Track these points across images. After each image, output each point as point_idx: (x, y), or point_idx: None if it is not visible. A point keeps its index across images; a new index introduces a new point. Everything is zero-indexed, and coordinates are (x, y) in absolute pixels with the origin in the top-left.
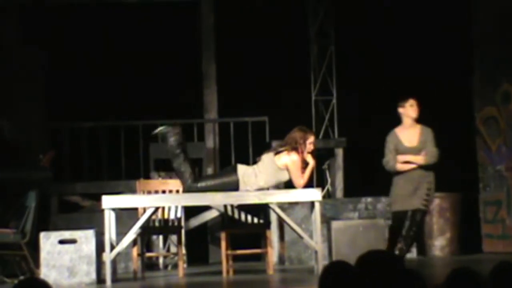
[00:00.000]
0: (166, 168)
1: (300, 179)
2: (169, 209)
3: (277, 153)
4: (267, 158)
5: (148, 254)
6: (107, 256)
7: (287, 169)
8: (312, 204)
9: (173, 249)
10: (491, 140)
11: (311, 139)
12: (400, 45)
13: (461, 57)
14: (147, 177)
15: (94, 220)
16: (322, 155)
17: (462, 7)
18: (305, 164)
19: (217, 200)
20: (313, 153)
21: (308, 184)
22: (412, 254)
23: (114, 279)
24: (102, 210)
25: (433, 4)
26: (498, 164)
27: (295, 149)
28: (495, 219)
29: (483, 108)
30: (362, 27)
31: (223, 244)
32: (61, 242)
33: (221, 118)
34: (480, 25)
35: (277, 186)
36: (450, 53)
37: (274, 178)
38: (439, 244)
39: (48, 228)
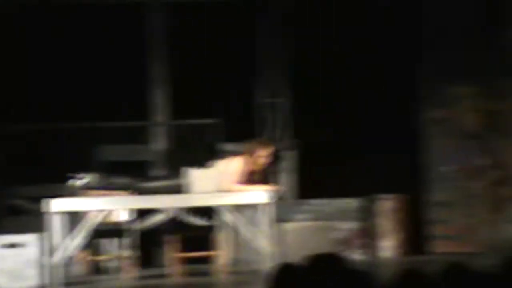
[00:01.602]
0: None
1: (231, 184)
2: (119, 211)
3: (229, 157)
4: (219, 162)
5: (97, 258)
6: (52, 260)
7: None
8: (261, 206)
9: (123, 252)
10: (438, 141)
11: (262, 152)
12: (347, 46)
13: (407, 59)
14: None
15: (40, 224)
16: (274, 157)
17: (410, 10)
18: (251, 175)
19: (167, 203)
20: (264, 168)
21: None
22: (362, 255)
23: (60, 284)
24: (47, 214)
25: (380, 5)
26: (445, 165)
27: (245, 157)
28: (442, 220)
29: (430, 110)
30: (311, 28)
31: (174, 246)
32: (5, 246)
33: (172, 121)
34: (427, 27)
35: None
36: (396, 54)
37: (224, 182)
38: (390, 245)
39: None
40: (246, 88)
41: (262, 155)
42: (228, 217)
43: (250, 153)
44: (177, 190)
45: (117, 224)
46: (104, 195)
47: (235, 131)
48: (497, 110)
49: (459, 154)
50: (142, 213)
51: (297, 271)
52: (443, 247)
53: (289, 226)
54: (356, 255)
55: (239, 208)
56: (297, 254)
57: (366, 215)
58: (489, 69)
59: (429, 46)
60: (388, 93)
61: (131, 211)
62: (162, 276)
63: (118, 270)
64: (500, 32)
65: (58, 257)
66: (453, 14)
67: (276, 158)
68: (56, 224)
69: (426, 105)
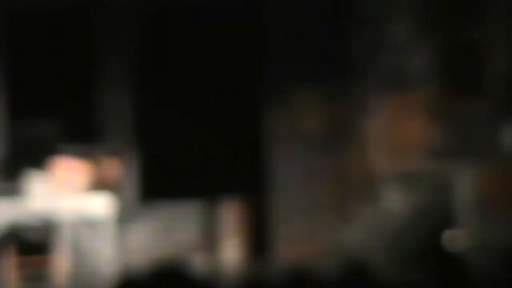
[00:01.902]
0: None
1: (64, 185)
2: None
3: (70, 161)
4: (59, 164)
5: None
6: None
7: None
8: (102, 210)
9: None
10: (282, 144)
11: (107, 163)
12: (189, 45)
13: (254, 60)
14: None
15: None
16: (110, 160)
17: (253, 12)
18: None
19: (1, 207)
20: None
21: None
22: (205, 257)
23: None
24: None
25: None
26: (289, 168)
27: (87, 163)
28: (286, 222)
29: (274, 114)
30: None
31: (10, 251)
32: None
33: (9, 120)
34: (274, 32)
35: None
36: (239, 55)
37: (65, 188)
38: (233, 247)
39: None
40: (86, 86)
41: (107, 165)
42: (67, 221)
43: (94, 161)
44: (13, 193)
45: None
46: None
47: (76, 130)
48: (339, 112)
49: (302, 156)
50: None
51: (141, 279)
52: (287, 249)
53: (131, 229)
54: (199, 259)
55: (79, 212)
56: (139, 257)
57: (211, 217)
58: (331, 71)
59: (272, 45)
60: (231, 94)
61: None
62: None
63: None
64: (343, 33)
65: None
66: (298, 13)
67: (118, 161)
68: None
69: (269, 106)
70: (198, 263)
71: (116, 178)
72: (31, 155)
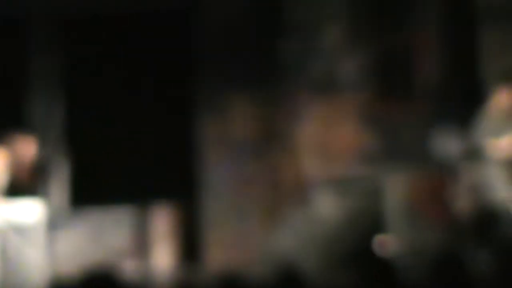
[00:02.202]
0: None
1: None
2: None
3: None
4: None
5: None
6: None
7: None
8: (35, 216)
9: None
10: (214, 150)
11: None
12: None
13: (184, 67)
14: None
15: None
16: (43, 166)
17: (183, 16)
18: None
19: None
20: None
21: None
22: (136, 263)
23: None
24: None
25: (156, 13)
26: (220, 173)
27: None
28: (217, 227)
29: (205, 119)
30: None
31: None
32: None
33: None
34: (205, 34)
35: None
36: (172, 61)
37: None
38: (164, 252)
39: None
40: (17, 88)
41: (25, 151)
42: None
43: (9, 149)
44: None
45: None
46: None
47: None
48: (269, 117)
49: (233, 161)
50: None
51: (72, 286)
52: (217, 254)
53: (62, 236)
54: (130, 264)
55: (6, 220)
56: (70, 264)
57: (142, 223)
58: (262, 76)
59: (205, 50)
60: (162, 98)
61: None
62: None
63: None
64: (274, 40)
65: None
66: (230, 19)
67: (45, 163)
68: None
69: (201, 110)
70: (129, 269)
71: (44, 182)
72: None
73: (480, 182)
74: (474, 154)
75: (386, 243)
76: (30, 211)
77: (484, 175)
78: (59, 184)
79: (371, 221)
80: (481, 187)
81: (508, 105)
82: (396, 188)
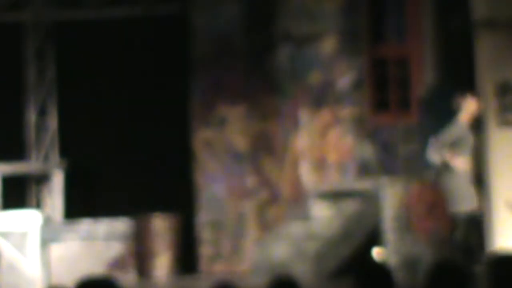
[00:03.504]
0: None
1: None
2: None
3: None
4: None
5: None
6: None
7: None
8: (29, 228)
9: None
10: (208, 162)
11: None
12: (119, 67)
13: (179, 78)
14: None
15: None
16: (41, 177)
17: (181, 33)
18: None
19: None
20: None
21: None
22: (132, 275)
23: None
24: None
25: (153, 28)
26: (215, 186)
27: None
28: (212, 239)
29: (200, 130)
30: (83, 48)
31: None
32: None
33: None
34: (197, 49)
35: None
36: (168, 75)
37: None
38: (159, 265)
39: None
40: (13, 107)
41: None
42: None
43: None
44: None
45: None
46: None
47: (1, 151)
48: (263, 131)
49: (229, 174)
50: None
51: None
52: (214, 266)
53: (56, 248)
54: (128, 276)
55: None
56: (66, 276)
57: (138, 234)
58: (255, 90)
59: (199, 66)
60: (163, 112)
61: None
62: None
63: None
64: (265, 54)
65: None
66: (223, 35)
67: (46, 178)
68: None
69: (197, 125)
70: (126, 280)
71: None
72: None
73: (450, 192)
74: (444, 166)
75: (383, 254)
76: (25, 221)
77: (452, 185)
78: (57, 196)
79: (367, 233)
80: (450, 197)
81: (474, 113)
82: (392, 201)
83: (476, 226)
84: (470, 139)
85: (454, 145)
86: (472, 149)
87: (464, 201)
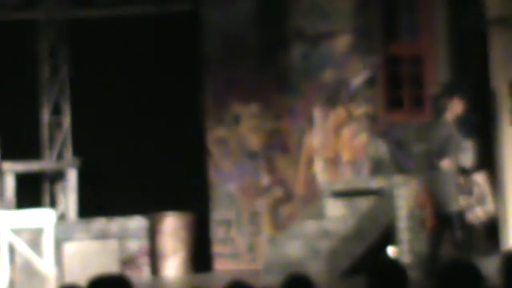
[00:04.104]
0: None
1: None
2: None
3: None
4: None
5: None
6: None
7: None
8: (43, 226)
9: None
10: (222, 160)
11: None
12: (133, 65)
13: (192, 77)
14: None
15: None
16: (55, 176)
17: (194, 30)
18: None
19: None
20: None
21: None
22: (145, 274)
23: None
24: None
25: (165, 26)
26: (229, 184)
27: None
28: (226, 238)
29: (214, 129)
30: (97, 46)
31: None
32: None
33: None
34: (210, 46)
35: None
36: (181, 73)
37: None
38: (172, 263)
39: None
40: (27, 105)
41: None
42: (7, 238)
43: None
44: None
45: None
46: None
47: (16, 150)
48: (276, 129)
49: (242, 172)
50: None
51: None
52: (228, 264)
53: (70, 246)
54: (142, 275)
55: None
56: (80, 274)
57: (151, 233)
58: (268, 88)
59: (212, 64)
60: (177, 110)
61: None
62: None
63: None
64: (278, 52)
65: None
66: (236, 33)
67: (60, 176)
68: None
69: (211, 123)
70: (139, 278)
71: (60, 195)
72: None
73: (438, 193)
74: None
75: (396, 253)
76: (39, 220)
77: (439, 186)
78: (69, 194)
79: (381, 231)
80: (439, 195)
81: (459, 112)
82: (406, 199)
83: (464, 225)
84: (456, 139)
85: (442, 146)
86: (458, 148)
87: (451, 201)
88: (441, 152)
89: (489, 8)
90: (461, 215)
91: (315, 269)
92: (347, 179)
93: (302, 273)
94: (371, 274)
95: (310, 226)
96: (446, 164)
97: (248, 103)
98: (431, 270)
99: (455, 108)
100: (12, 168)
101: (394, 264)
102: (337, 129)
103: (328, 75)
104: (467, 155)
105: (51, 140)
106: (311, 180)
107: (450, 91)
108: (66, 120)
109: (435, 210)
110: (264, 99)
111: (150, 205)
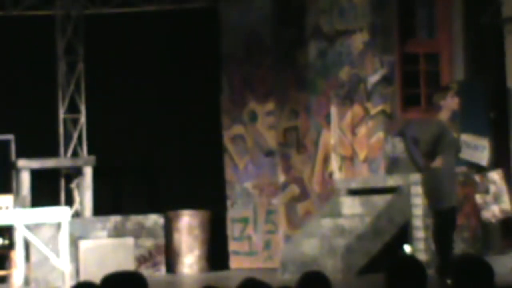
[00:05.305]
0: None
1: None
2: None
3: None
4: None
5: None
6: None
7: None
8: (59, 223)
9: None
10: (239, 158)
11: None
12: (150, 62)
13: (209, 75)
14: None
15: None
16: (70, 174)
17: (211, 28)
18: None
19: None
20: None
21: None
22: (161, 271)
23: None
24: None
25: (182, 23)
26: (245, 182)
27: None
28: (242, 236)
29: (231, 126)
30: (113, 44)
31: None
32: None
33: None
34: (227, 44)
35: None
36: (198, 70)
37: None
38: (188, 261)
39: None
40: (43, 103)
41: None
42: (23, 235)
43: None
44: None
45: None
46: None
47: (31, 147)
48: (293, 127)
49: (259, 171)
50: None
51: None
52: (244, 262)
53: (86, 243)
54: (157, 272)
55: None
56: (96, 272)
57: (167, 231)
58: (285, 86)
59: (229, 61)
60: (189, 108)
61: None
62: None
63: None
64: (296, 50)
65: None
66: (253, 30)
67: (75, 174)
68: None
69: (227, 121)
70: (155, 276)
71: (76, 193)
72: None
73: (431, 190)
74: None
75: (413, 251)
76: (55, 217)
77: (433, 183)
78: (84, 192)
79: (397, 229)
80: (432, 195)
81: (453, 108)
82: (423, 198)
83: (452, 221)
84: (449, 136)
85: (435, 144)
86: (452, 146)
87: (444, 198)
88: (433, 151)
89: (506, 6)
90: (454, 212)
91: (332, 267)
92: (364, 177)
93: (319, 271)
94: (390, 270)
95: (327, 224)
96: (438, 163)
97: (265, 100)
98: (443, 268)
99: (451, 104)
100: (27, 165)
101: (413, 260)
102: (354, 127)
103: (345, 73)
104: (484, 153)
105: (67, 137)
106: (327, 178)
107: (446, 88)
108: (82, 118)
109: (431, 207)
110: (281, 96)
111: (166, 203)
